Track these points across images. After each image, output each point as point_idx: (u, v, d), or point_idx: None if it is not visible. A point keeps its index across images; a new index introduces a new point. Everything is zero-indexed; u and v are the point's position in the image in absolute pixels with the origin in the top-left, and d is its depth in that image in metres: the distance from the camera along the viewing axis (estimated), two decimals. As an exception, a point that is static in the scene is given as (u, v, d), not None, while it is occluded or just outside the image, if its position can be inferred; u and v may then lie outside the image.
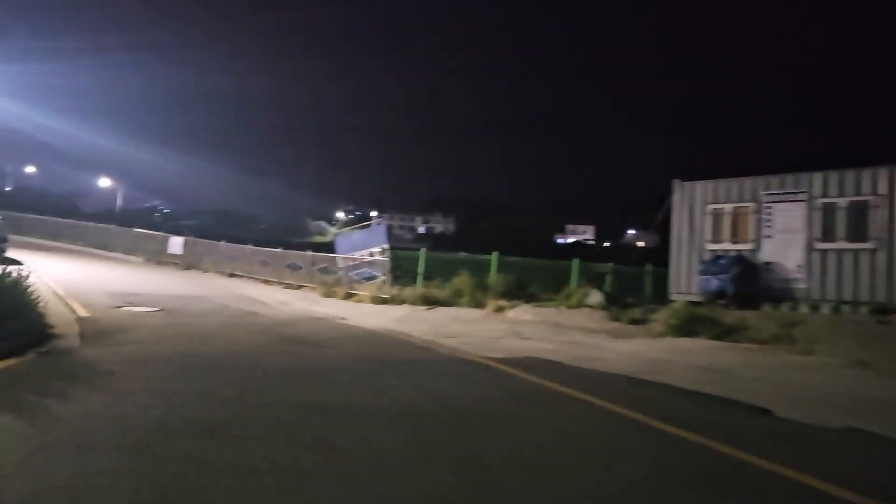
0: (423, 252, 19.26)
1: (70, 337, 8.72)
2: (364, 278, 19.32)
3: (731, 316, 13.06)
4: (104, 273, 21.43)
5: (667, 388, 7.52)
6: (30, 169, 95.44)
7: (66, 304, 12.33)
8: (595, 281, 17.63)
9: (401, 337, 11.98)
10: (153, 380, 6.28)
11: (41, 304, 9.41)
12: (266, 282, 23.13)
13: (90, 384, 5.83)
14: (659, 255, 19.58)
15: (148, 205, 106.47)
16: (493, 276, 17.51)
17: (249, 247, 24.87)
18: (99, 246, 31.60)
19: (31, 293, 8.85)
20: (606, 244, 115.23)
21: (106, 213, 52.70)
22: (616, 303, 15.06)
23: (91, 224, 33.99)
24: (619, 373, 8.45)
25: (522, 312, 15.62)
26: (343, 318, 14.65)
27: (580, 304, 15.26)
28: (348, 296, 18.98)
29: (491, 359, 9.16)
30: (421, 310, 16.54)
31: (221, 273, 25.34)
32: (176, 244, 28.06)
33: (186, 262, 27.17)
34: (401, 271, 19.27)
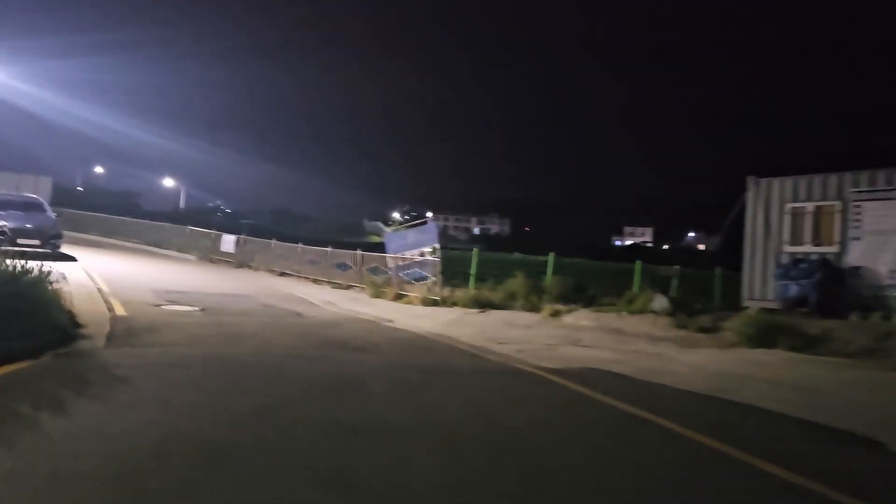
0: (475, 252, 18.41)
1: (97, 337, 8.22)
2: (414, 279, 18.61)
3: (814, 325, 11.77)
4: (153, 270, 21.32)
5: (752, 411, 6.49)
6: (98, 169, 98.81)
7: (106, 302, 11.96)
8: (659, 285, 16.46)
9: (449, 342, 11.19)
10: (166, 388, 5.62)
11: (68, 302, 8.96)
12: (315, 281, 22.68)
13: (95, 393, 5.21)
14: (728, 259, 18.22)
15: (211, 204, 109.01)
16: (550, 279, 16.54)
17: (299, 245, 24.49)
18: (154, 243, 31.86)
19: (56, 291, 8.38)
20: (665, 246, 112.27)
21: (164, 212, 53.80)
22: (683, 309, 13.89)
23: (147, 222, 34.37)
24: (692, 389, 7.44)
25: (580, 317, 14.62)
26: (390, 321, 13.94)
27: (643, 310, 14.15)
28: (398, 297, 18.29)
29: (547, 369, 8.26)
30: (472, 313, 15.71)
31: (272, 271, 25.04)
32: (228, 242, 27.96)
33: (238, 260, 27.03)
34: (452, 272, 18.48)
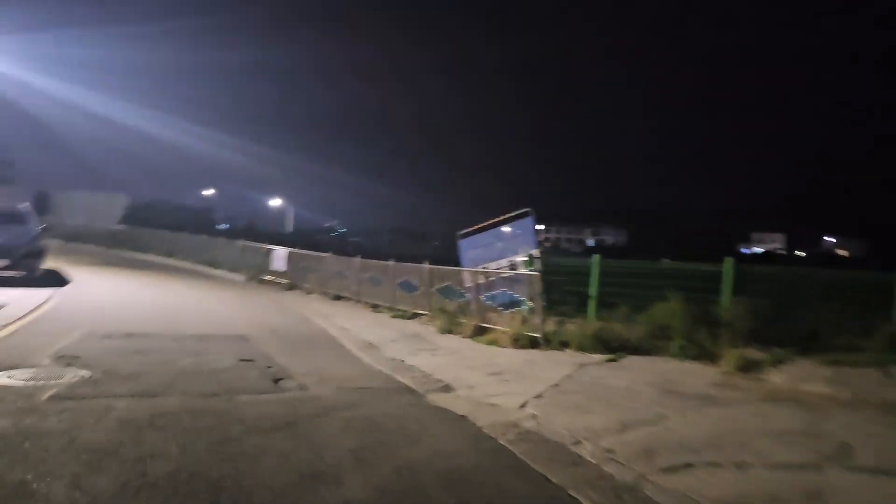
0: (596, 261, 11.83)
1: None
2: (502, 304, 12.34)
3: None
4: (161, 297, 16.18)
5: None
6: (208, 191, 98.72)
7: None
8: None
9: (565, 460, 4.90)
10: None
11: None
12: (374, 307, 16.81)
13: None
14: None
15: (326, 225, 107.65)
16: (727, 301, 9.76)
17: (357, 259, 18.73)
18: (207, 262, 27.26)
19: None
20: (801, 253, 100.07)
21: (270, 232, 50.15)
22: None
23: (202, 237, 29.93)
24: None
25: (803, 377, 7.92)
26: (446, 385, 7.77)
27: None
28: (477, 332, 12.08)
29: None
30: (597, 364, 9.29)
31: (325, 294, 19.44)
32: (279, 258, 22.72)
33: (290, 280, 21.68)
34: (559, 292, 12.09)
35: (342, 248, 31.39)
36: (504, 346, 10.96)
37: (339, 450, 4.95)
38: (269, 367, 8.25)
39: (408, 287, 15.96)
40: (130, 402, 5.85)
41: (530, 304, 11.47)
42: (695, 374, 8.58)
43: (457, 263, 14.58)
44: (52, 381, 6.40)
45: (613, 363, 9.40)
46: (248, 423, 5.46)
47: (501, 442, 5.47)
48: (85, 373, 6.91)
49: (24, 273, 15.11)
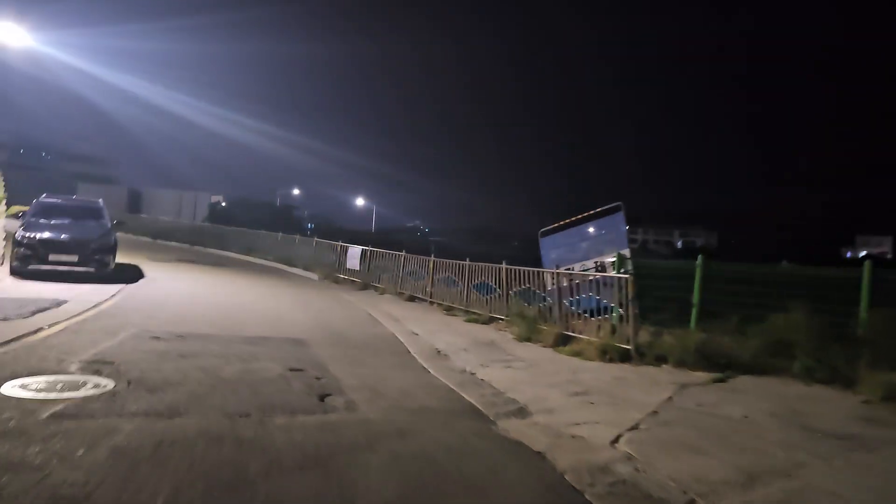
0: (700, 263, 10.26)
1: None
2: (587, 309, 10.99)
3: None
4: (227, 295, 15.66)
5: None
6: (295, 191, 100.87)
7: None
8: None
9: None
10: None
11: None
12: (448, 310, 15.74)
13: None
14: None
15: (409, 224, 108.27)
16: (864, 314, 8.08)
17: (431, 258, 17.73)
18: (284, 260, 26.91)
19: None
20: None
21: (354, 230, 50.31)
22: None
23: (279, 234, 29.68)
24: None
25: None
26: (521, 408, 6.54)
27: None
28: (559, 340, 10.79)
29: None
30: (701, 385, 7.85)
31: (398, 295, 18.52)
32: (353, 257, 22.00)
33: (364, 280, 20.89)
34: (653, 298, 10.62)
35: (423, 247, 30.56)
36: (590, 359, 9.62)
37: (376, 501, 3.84)
38: (318, 378, 7.26)
39: (484, 289, 14.79)
40: (141, 424, 4.93)
41: (620, 310, 10.07)
42: (829, 404, 7.01)
43: (538, 264, 13.30)
44: (66, 394, 5.58)
45: (722, 385, 7.92)
46: (272, 457, 4.43)
47: (588, 497, 4.21)
48: (108, 383, 6.09)
49: (91, 269, 14.85)
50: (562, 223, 12.40)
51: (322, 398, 6.35)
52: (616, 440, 5.46)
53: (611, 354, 9.55)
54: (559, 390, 7.52)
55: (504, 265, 13.71)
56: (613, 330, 10.10)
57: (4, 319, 9.29)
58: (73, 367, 6.65)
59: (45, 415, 4.96)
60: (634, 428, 5.85)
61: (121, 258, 20.99)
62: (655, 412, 6.51)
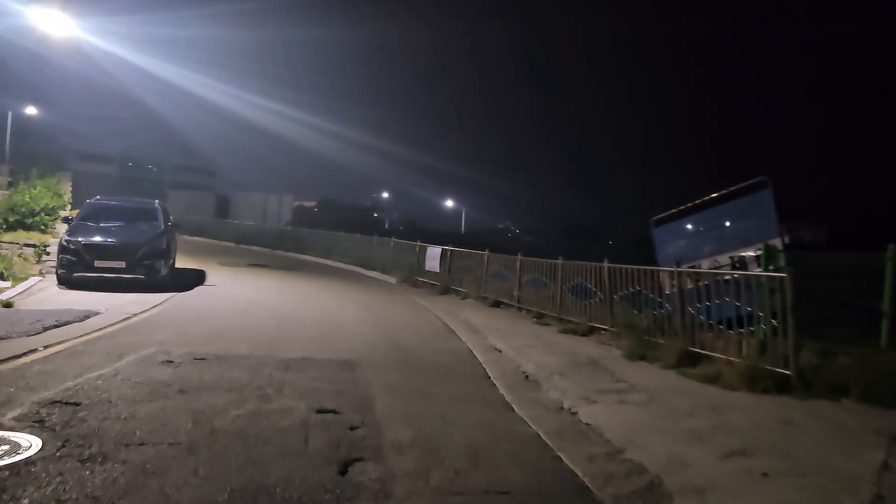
0: (892, 254, 7.42)
1: None
2: (720, 320, 8.37)
3: None
4: (289, 304, 13.88)
5: None
6: (385, 194, 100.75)
7: None
8: None
9: None
10: None
11: None
12: (538, 317, 13.37)
13: None
14: None
15: (500, 225, 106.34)
16: None
17: (518, 257, 15.38)
18: (361, 263, 25.15)
19: None
20: None
21: (440, 231, 48.75)
22: None
23: (357, 236, 28.01)
24: None
25: None
26: (652, 484, 4.15)
27: None
28: (684, 359, 8.28)
29: None
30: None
31: (482, 299, 16.27)
32: (433, 258, 19.92)
33: (443, 283, 18.78)
34: (813, 303, 7.91)
35: (514, 249, 28.22)
36: (732, 388, 7.09)
37: None
38: (353, 428, 5.13)
39: (581, 292, 12.32)
40: None
41: (772, 321, 7.43)
42: None
43: (644, 263, 10.77)
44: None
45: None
46: None
47: None
48: (30, 445, 4.17)
49: (143, 276, 13.39)
50: (683, 207, 9.78)
51: (345, 468, 4.20)
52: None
53: (763, 382, 6.98)
54: (704, 445, 5.09)
55: (606, 263, 11.20)
56: (763, 348, 7.48)
57: (3, 338, 7.75)
58: (12, 415, 4.80)
59: None
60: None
61: (189, 263, 19.86)
62: (881, 497, 3.99)
